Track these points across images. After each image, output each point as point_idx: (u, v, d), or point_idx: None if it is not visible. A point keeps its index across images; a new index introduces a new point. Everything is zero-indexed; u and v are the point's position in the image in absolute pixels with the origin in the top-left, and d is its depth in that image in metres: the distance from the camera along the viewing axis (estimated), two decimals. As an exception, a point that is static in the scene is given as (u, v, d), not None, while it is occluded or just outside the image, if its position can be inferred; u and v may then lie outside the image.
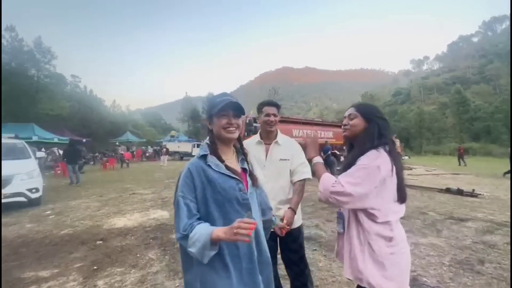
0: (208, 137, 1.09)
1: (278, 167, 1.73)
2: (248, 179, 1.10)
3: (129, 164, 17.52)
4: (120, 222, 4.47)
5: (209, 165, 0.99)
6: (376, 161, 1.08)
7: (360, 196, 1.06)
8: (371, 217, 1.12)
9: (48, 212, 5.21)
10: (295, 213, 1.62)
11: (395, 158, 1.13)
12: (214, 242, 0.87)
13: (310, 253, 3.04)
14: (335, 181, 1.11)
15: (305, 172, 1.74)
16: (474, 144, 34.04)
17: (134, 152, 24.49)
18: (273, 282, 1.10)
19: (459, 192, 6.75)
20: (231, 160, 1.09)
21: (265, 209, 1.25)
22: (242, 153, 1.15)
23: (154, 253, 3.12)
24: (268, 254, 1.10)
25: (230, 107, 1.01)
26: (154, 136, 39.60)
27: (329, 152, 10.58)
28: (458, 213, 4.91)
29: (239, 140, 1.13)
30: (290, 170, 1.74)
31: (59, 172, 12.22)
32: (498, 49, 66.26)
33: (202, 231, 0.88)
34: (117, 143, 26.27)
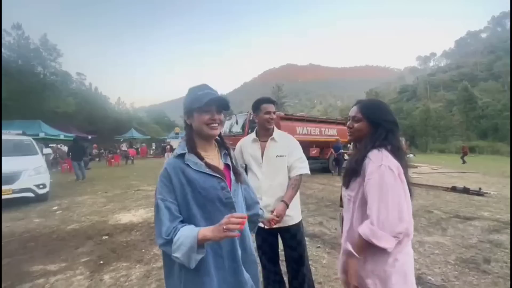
0: (185, 133, 1.03)
1: (275, 164, 1.71)
2: (232, 175, 1.04)
3: (133, 160, 17.71)
4: (125, 218, 4.52)
5: (187, 164, 0.93)
6: (382, 162, 1.02)
7: (406, 213, 0.99)
8: None
9: (55, 207, 5.31)
10: (287, 207, 1.59)
11: (399, 158, 1.08)
12: (201, 243, 0.82)
13: (314, 250, 3.04)
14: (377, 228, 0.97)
15: (302, 167, 1.72)
16: (481, 142, 33.48)
17: (139, 149, 24.72)
18: (259, 280, 1.06)
19: (465, 190, 6.66)
20: (213, 156, 1.03)
21: (251, 204, 1.18)
22: (224, 148, 1.09)
23: (159, 249, 3.15)
24: (254, 252, 1.07)
25: (213, 102, 0.95)
26: (159, 133, 39.88)
27: (341, 150, 10.64)
28: (464, 211, 4.85)
29: (220, 135, 1.07)
30: (287, 166, 1.71)
31: (66, 168, 12.42)
32: (507, 45, 64.47)
33: (187, 233, 0.82)
34: (121, 140, 26.55)
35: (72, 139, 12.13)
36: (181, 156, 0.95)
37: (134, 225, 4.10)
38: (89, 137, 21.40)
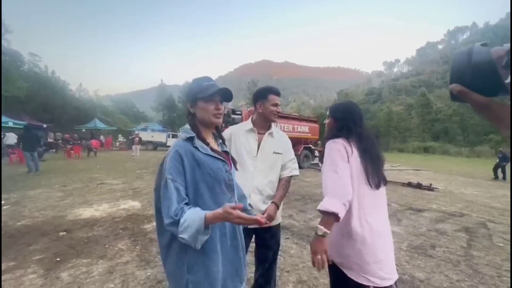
0: (188, 120, 1.07)
1: (271, 161, 1.64)
2: (231, 161, 1.14)
3: (96, 152, 16.46)
4: (86, 212, 4.22)
5: (196, 147, 0.99)
6: (332, 146, 1.20)
7: (348, 185, 1.13)
8: None
9: (2, 202, 4.74)
10: (277, 208, 1.56)
11: (362, 143, 1.23)
12: (207, 225, 0.85)
13: (283, 241, 3.14)
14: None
15: (295, 168, 1.71)
16: (434, 144, 37.32)
17: (103, 141, 23.02)
18: (246, 258, 1.16)
19: (418, 186, 7.42)
20: (213, 143, 1.10)
21: (240, 197, 1.19)
22: (220, 138, 1.17)
23: (124, 244, 3.01)
24: (241, 237, 1.13)
25: (218, 93, 1.02)
26: (126, 124, 37.38)
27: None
28: (416, 204, 5.39)
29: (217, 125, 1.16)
30: (281, 165, 1.68)
31: (14, 159, 11.12)
32: (459, 57, 72.02)
33: (194, 216, 0.85)
34: (83, 130, 24.46)
35: (22, 127, 10.82)
36: (190, 139, 1.00)
37: (96, 220, 3.84)
38: (44, 125, 19.34)
